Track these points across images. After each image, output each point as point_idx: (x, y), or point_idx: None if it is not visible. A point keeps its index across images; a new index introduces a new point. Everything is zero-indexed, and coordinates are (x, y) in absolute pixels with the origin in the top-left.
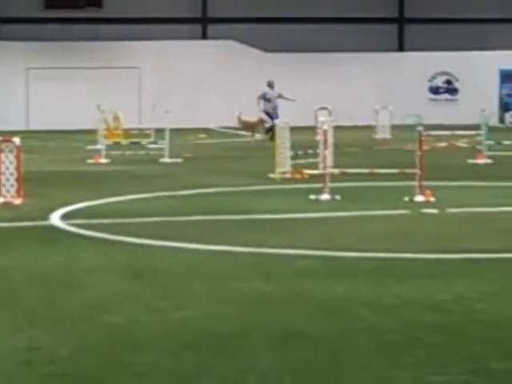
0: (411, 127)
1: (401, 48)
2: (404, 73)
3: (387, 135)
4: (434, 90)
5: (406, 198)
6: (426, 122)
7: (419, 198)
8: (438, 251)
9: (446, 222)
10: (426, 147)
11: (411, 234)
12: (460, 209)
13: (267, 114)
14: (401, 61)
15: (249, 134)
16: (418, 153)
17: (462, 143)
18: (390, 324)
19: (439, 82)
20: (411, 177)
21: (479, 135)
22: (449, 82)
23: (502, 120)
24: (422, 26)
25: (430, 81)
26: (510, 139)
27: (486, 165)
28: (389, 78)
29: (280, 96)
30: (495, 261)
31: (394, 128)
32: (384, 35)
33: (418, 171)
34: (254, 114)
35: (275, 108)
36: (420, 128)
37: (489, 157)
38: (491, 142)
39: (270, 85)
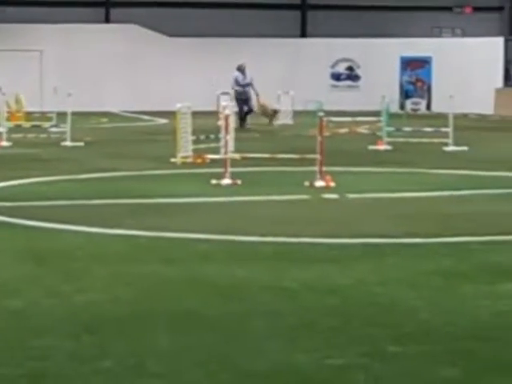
0: (313, 113)
1: (303, 34)
2: (306, 59)
3: (289, 121)
4: (336, 77)
5: (307, 183)
6: (328, 108)
7: (320, 184)
8: (338, 236)
9: (346, 207)
10: (327, 133)
11: (311, 218)
12: (360, 194)
13: (238, 101)
14: (303, 47)
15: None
16: (319, 138)
17: (362, 129)
18: (288, 308)
19: (341, 68)
20: (312, 162)
21: (380, 122)
22: (350, 69)
23: (402, 107)
24: (325, 13)
25: (331, 67)
26: (410, 126)
27: (386, 151)
28: (291, 64)
29: (251, 84)
30: (395, 245)
31: (296, 114)
32: (287, 21)
33: (318, 157)
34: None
35: (246, 94)
36: (321, 114)
37: (389, 143)
38: (391, 129)
39: (240, 69)
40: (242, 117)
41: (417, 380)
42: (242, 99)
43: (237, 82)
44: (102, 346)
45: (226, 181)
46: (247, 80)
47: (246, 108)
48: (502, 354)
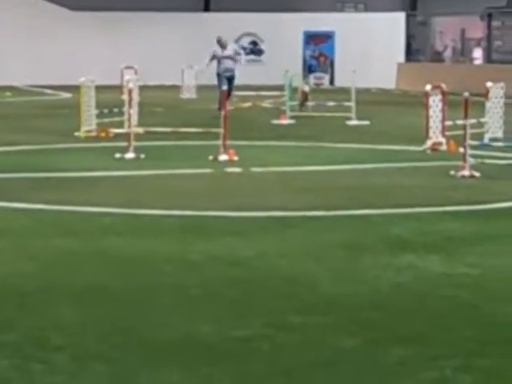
0: (216, 87)
1: (207, 8)
2: (210, 33)
3: (193, 95)
4: None
5: (211, 157)
6: None
7: (223, 157)
8: (242, 209)
9: (250, 181)
10: (230, 107)
11: (215, 192)
12: (263, 168)
13: (219, 76)
14: (207, 21)
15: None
16: (222, 112)
17: (266, 104)
18: (192, 280)
19: (245, 42)
20: (216, 136)
21: (283, 96)
22: (254, 43)
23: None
24: None
25: (235, 42)
26: (313, 100)
27: (289, 125)
28: (195, 39)
29: (232, 58)
30: (297, 218)
31: (200, 88)
32: None
33: (221, 130)
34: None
35: (228, 70)
36: (225, 88)
37: (292, 117)
38: (294, 103)
39: (220, 42)
40: (221, 99)
41: (319, 350)
42: (225, 76)
43: (214, 57)
44: (5, 320)
45: (130, 155)
46: (227, 52)
47: (224, 87)
48: (401, 324)
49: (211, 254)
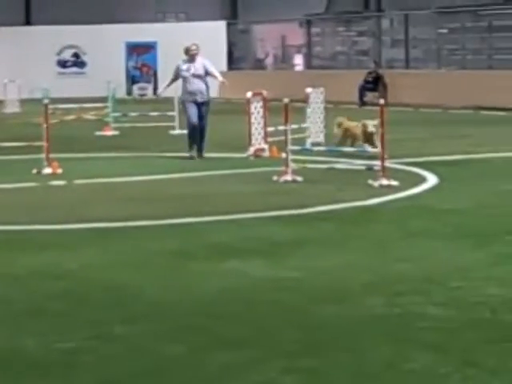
0: (40, 101)
1: (28, 22)
2: (32, 47)
3: (16, 109)
4: (62, 64)
5: (35, 171)
6: (55, 95)
7: (47, 171)
8: (66, 222)
9: (74, 193)
10: (54, 120)
11: (39, 205)
12: (88, 180)
13: (183, 104)
14: (28, 34)
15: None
16: (45, 125)
17: (90, 116)
18: (16, 294)
19: (67, 55)
20: (40, 150)
21: (107, 107)
22: (77, 56)
23: (129, 92)
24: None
25: (58, 54)
26: (136, 111)
27: (113, 136)
28: (17, 53)
29: (201, 76)
30: (120, 229)
31: (23, 102)
32: (10, 8)
33: (44, 144)
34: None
35: (195, 93)
36: (47, 101)
37: (116, 128)
38: (118, 114)
39: (188, 53)
40: (190, 141)
41: (144, 358)
42: (190, 101)
43: (177, 73)
44: None
45: None
46: (195, 70)
47: (194, 121)
48: (226, 329)
49: (35, 268)
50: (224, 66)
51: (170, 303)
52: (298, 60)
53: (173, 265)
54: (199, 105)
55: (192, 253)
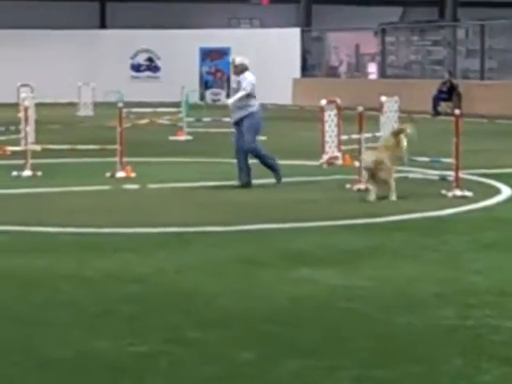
0: (113, 104)
1: (103, 25)
2: (106, 50)
3: (90, 112)
4: (136, 68)
5: (108, 174)
6: (129, 99)
7: (120, 174)
8: (139, 225)
9: (147, 197)
10: (127, 124)
11: (113, 209)
12: (161, 184)
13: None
14: (103, 38)
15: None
16: (119, 129)
17: (163, 120)
18: (89, 297)
19: (141, 59)
20: (113, 153)
21: (180, 112)
22: (150, 60)
23: (202, 97)
24: (124, 4)
25: (131, 58)
26: (209, 116)
27: (186, 141)
28: (91, 56)
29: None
30: (195, 234)
31: (97, 105)
32: (86, 12)
33: (118, 147)
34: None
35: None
36: (121, 105)
37: (189, 133)
38: (191, 119)
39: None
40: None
41: (216, 363)
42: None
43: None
44: None
45: (27, 172)
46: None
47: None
48: (298, 337)
49: (108, 271)
50: (297, 73)
51: (241, 310)
52: (372, 68)
53: (245, 271)
54: (235, 124)
55: (264, 260)
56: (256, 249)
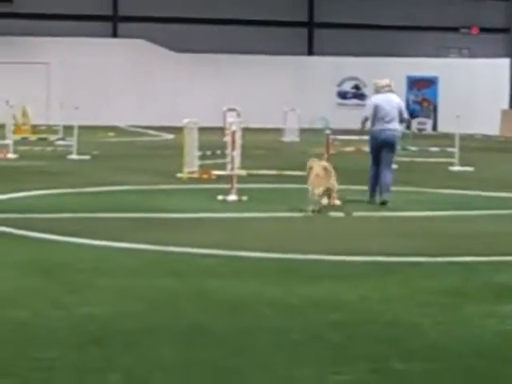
0: (319, 131)
1: (310, 52)
2: (313, 77)
3: (295, 138)
4: (343, 95)
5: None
6: (334, 126)
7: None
8: (343, 253)
9: (351, 225)
10: (332, 151)
11: (316, 235)
12: (366, 212)
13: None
14: (310, 65)
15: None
16: (325, 156)
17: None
18: (292, 323)
19: (347, 86)
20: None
21: None
22: (357, 88)
23: (408, 127)
24: (332, 31)
25: (338, 85)
26: (416, 145)
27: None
28: (298, 82)
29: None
30: (400, 264)
31: (302, 131)
32: (294, 39)
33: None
34: None
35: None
36: (328, 131)
37: (395, 162)
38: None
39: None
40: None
41: None
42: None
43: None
44: (108, 359)
45: (232, 197)
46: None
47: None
48: (505, 373)
49: (311, 298)
50: (506, 104)
51: (446, 342)
52: None
53: (450, 303)
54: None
55: (470, 293)
56: (461, 281)
